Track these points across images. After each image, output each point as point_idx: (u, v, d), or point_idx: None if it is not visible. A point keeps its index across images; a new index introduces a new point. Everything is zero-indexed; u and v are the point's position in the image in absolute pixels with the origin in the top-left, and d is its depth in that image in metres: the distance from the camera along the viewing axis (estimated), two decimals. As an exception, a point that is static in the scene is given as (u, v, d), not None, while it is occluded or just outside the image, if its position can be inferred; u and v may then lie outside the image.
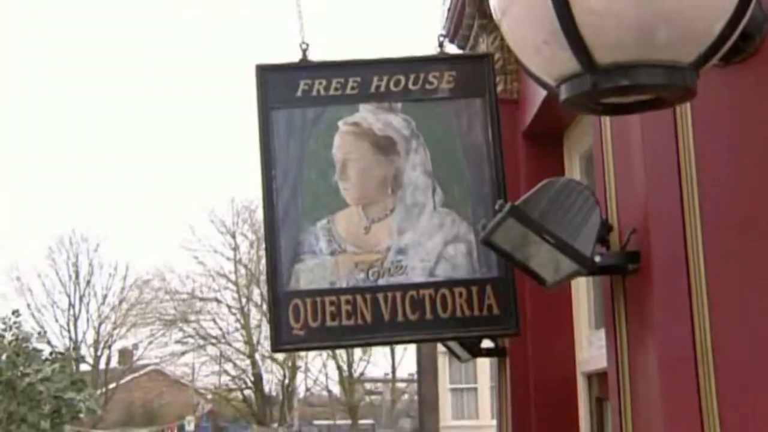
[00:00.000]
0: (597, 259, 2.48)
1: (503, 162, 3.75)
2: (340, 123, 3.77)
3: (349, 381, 34.29)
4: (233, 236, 35.18)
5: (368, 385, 40.11)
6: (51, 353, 10.75)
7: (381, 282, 3.63)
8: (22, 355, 10.32)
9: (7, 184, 52.44)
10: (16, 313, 10.55)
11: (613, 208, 2.74)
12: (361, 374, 37.47)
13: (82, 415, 10.65)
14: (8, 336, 10.42)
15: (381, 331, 3.60)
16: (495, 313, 3.62)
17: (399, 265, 3.65)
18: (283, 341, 3.60)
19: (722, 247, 2.45)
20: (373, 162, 3.75)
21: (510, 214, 2.42)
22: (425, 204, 3.72)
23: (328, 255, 3.66)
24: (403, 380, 38.97)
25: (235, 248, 35.48)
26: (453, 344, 4.45)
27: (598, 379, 3.99)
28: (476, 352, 4.45)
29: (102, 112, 55.54)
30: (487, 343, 4.51)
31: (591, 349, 4.08)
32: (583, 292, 4.14)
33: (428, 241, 3.68)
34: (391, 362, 36.42)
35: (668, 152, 2.56)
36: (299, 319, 3.58)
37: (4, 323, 10.46)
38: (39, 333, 10.93)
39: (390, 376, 38.51)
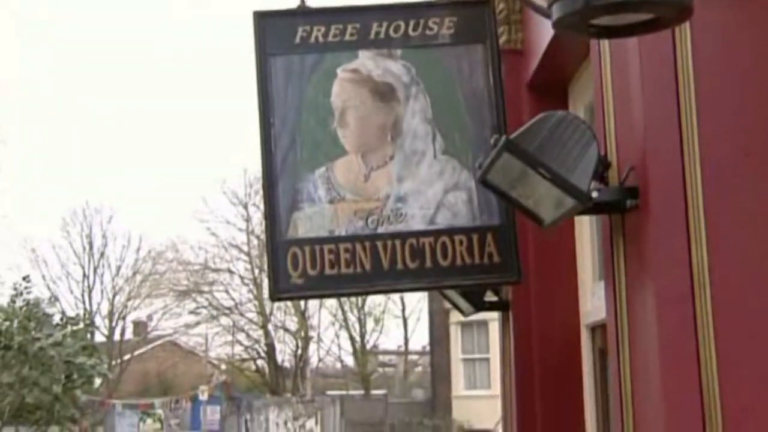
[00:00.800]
0: (594, 194, 2.43)
1: (505, 108, 3.69)
2: (338, 70, 3.72)
3: (362, 352, 34.41)
4: (245, 207, 35.23)
5: (381, 357, 40.30)
6: (62, 319, 10.82)
7: (380, 230, 3.59)
8: (33, 320, 10.38)
9: (21, 157, 52.61)
10: (26, 278, 10.63)
11: (612, 146, 2.69)
12: (374, 346, 37.64)
13: (94, 380, 10.71)
14: (19, 302, 10.47)
15: (380, 279, 3.57)
16: (495, 261, 3.59)
17: (398, 213, 3.61)
18: (281, 289, 3.57)
19: (721, 185, 2.40)
20: (373, 109, 3.70)
21: (505, 148, 2.37)
22: (425, 151, 3.67)
23: (327, 203, 3.62)
24: (415, 352, 39.11)
25: (248, 219, 35.55)
26: (456, 297, 4.42)
27: (602, 330, 3.94)
28: (479, 305, 4.42)
29: (115, 84, 55.54)
30: (490, 297, 4.47)
31: (594, 301, 4.03)
32: (587, 242, 4.09)
33: (428, 189, 3.63)
34: (403, 334, 36.53)
35: (668, 87, 2.51)
36: (298, 268, 3.55)
37: (16, 289, 10.52)
38: (50, 298, 10.97)
39: (403, 348, 38.66)
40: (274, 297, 3.62)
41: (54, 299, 10.46)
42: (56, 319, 10.64)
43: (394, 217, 3.60)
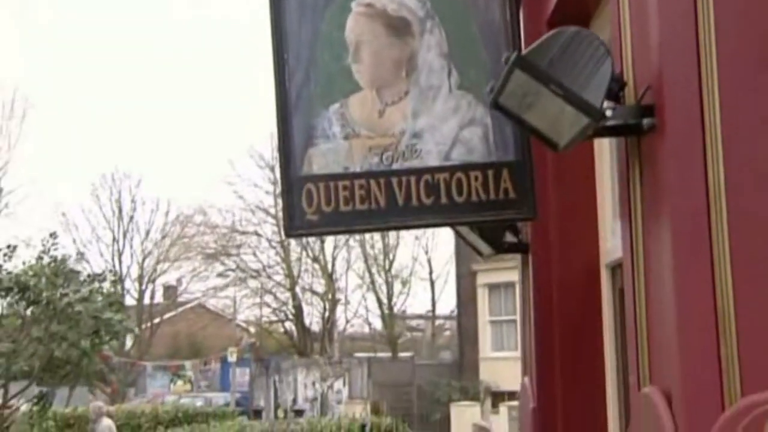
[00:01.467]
0: (608, 113, 2.37)
1: (521, 42, 3.62)
2: (352, 4, 3.65)
3: (389, 315, 34.53)
4: (272, 170, 35.26)
5: (409, 322, 40.43)
6: (88, 275, 10.92)
7: (395, 166, 3.55)
8: (61, 276, 10.48)
9: (51, 122, 52.99)
10: (53, 235, 10.70)
11: (629, 66, 2.62)
12: (402, 311, 37.78)
13: (121, 336, 10.83)
14: (46, 258, 10.58)
15: (395, 215, 3.53)
16: (511, 197, 3.53)
17: (413, 149, 3.56)
18: (296, 226, 3.55)
19: (738, 103, 2.33)
20: (387, 44, 3.64)
21: (516, 64, 2.31)
22: (440, 86, 3.61)
23: (342, 139, 3.58)
24: (443, 317, 39.20)
25: (275, 182, 35.56)
26: (475, 239, 4.38)
27: (622, 270, 3.89)
28: (498, 246, 4.37)
29: (145, 49, 55.63)
30: (509, 238, 4.43)
31: (615, 239, 3.97)
32: (606, 180, 4.02)
33: (443, 125, 3.58)
34: (431, 297, 36.58)
35: (686, 4, 2.43)
36: (312, 204, 3.53)
37: (43, 246, 10.63)
38: (77, 255, 11.07)
39: (430, 313, 38.76)
40: (289, 233, 3.60)
41: (80, 256, 10.57)
42: (83, 275, 10.75)
43: (409, 153, 3.56)
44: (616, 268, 4.02)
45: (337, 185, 3.53)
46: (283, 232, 3.93)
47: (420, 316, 40.90)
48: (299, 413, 19.05)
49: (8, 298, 10.57)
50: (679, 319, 2.33)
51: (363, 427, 13.93)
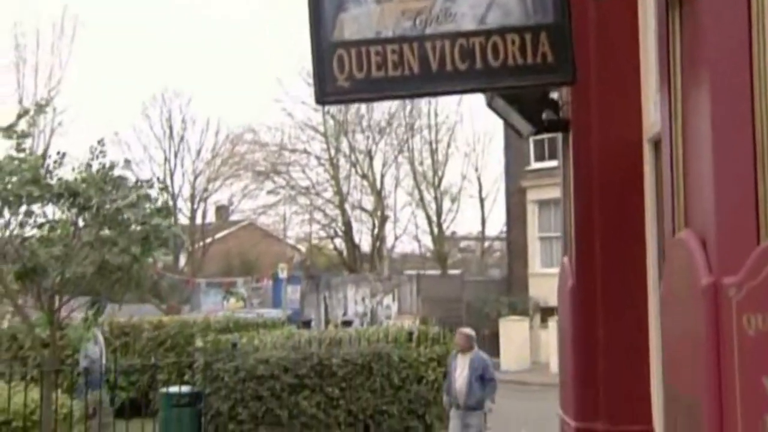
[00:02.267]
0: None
1: None
2: None
3: (438, 231, 34.54)
4: (321, 88, 35.09)
5: (458, 243, 40.47)
6: (136, 182, 11.00)
7: (429, 30, 3.45)
8: (109, 182, 10.58)
9: (101, 42, 53.19)
10: (101, 142, 10.76)
11: None
12: (453, 233, 37.78)
13: (170, 243, 10.96)
14: (95, 164, 10.67)
15: (429, 81, 3.44)
16: (549, 61, 3.42)
17: (448, 12, 3.45)
18: (327, 92, 3.49)
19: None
20: None
21: None
22: (476, -53, 3.47)
23: (374, 3, 3.49)
24: (492, 238, 39.11)
25: (323, 100, 35.44)
26: (514, 117, 4.28)
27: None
28: (538, 124, 4.27)
29: (189, -30, 55.22)
30: (550, 116, 4.32)
31: (658, 114, 3.85)
32: (651, 51, 3.88)
33: (479, -14, 3.46)
34: (480, 214, 36.46)
35: None
36: (344, 70, 3.45)
37: (91, 152, 10.71)
38: (124, 161, 11.15)
39: (480, 234, 38.69)
40: (320, 100, 3.54)
41: (128, 163, 10.64)
42: (131, 182, 10.84)
43: (444, 17, 3.45)
44: (659, 142, 3.90)
45: (369, 51, 3.45)
46: (314, 99, 3.85)
47: (469, 237, 40.89)
48: (348, 324, 19.25)
49: (59, 204, 10.70)
50: (716, 159, 2.25)
51: (410, 334, 14.04)
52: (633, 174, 3.99)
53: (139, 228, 10.72)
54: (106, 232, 10.80)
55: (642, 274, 3.88)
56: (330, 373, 12.35)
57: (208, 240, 39.55)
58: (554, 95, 4.28)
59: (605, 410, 3.84)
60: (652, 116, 3.92)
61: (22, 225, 10.74)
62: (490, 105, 4.30)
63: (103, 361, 13.74)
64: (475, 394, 10.86)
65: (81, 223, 10.88)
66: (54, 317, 10.99)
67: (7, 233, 10.80)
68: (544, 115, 4.25)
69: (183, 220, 37.74)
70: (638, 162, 3.99)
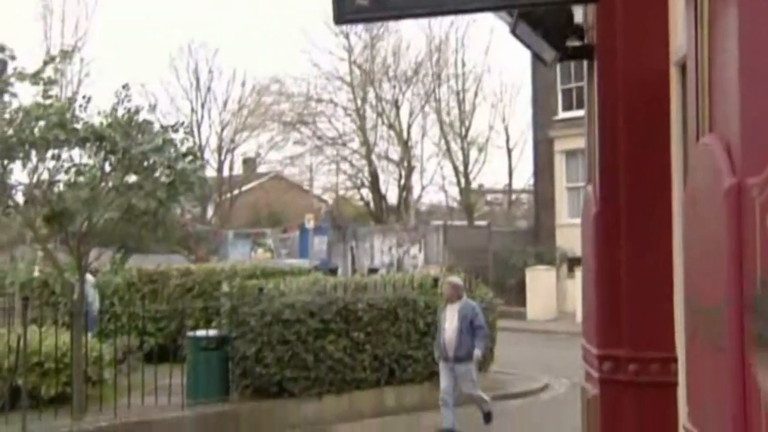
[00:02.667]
0: None
1: None
2: None
3: (465, 181, 34.41)
4: (347, 37, 34.91)
5: (485, 197, 40.35)
6: (161, 126, 11.01)
7: (450, -53, 3.37)
8: (135, 126, 10.60)
9: (127, -4, 53.04)
10: (126, 87, 10.76)
11: None
12: (480, 186, 37.63)
13: (195, 187, 10.99)
14: (120, 109, 10.69)
15: (450, -1, 3.37)
16: (573, -23, 3.34)
17: (469, -72, 3.37)
18: (346, 11, 3.42)
19: None
20: None
21: None
22: None
23: None
24: (519, 191, 38.94)
25: (350, 50, 35.28)
26: (539, 43, 4.20)
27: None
28: (562, 50, 4.19)
29: None
30: (574, 43, 4.23)
31: (685, 37, 3.76)
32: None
33: None
34: (507, 165, 36.27)
35: None
36: (363, -11, 3.39)
37: (116, 97, 10.72)
38: (150, 105, 11.15)
39: (507, 187, 38.53)
40: (339, 20, 3.47)
41: (152, 107, 10.64)
42: (156, 127, 10.84)
43: (465, -67, 3.37)
44: (685, 66, 3.81)
45: (389, -32, 3.38)
46: (333, 19, 3.74)
47: (496, 190, 40.74)
48: (374, 272, 19.30)
49: (86, 149, 10.75)
50: (742, 62, 2.18)
51: (435, 281, 14.05)
52: (659, 99, 3.90)
53: (165, 172, 10.77)
54: (132, 177, 10.87)
55: (667, 202, 3.83)
56: (355, 317, 12.41)
57: (236, 192, 39.71)
58: (579, 20, 4.20)
59: (628, 337, 3.81)
60: (679, 39, 3.83)
61: (49, 170, 10.83)
62: (513, 32, 4.21)
63: (97, 305, 13.89)
64: (464, 344, 10.59)
65: (107, 168, 10.94)
66: (82, 261, 11.12)
67: (35, 178, 10.89)
68: (568, 41, 4.17)
69: (210, 171, 37.86)
70: (664, 87, 3.90)
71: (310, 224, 31.26)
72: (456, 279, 11.68)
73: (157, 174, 10.73)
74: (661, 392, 3.77)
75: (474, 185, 35.94)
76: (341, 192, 37.73)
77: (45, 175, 10.79)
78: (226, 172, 39.85)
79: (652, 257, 3.81)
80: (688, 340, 2.48)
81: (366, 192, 36.66)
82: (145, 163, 10.73)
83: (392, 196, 36.20)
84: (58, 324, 12.47)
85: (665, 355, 3.77)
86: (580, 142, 26.46)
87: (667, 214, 3.78)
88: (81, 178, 10.60)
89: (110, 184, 10.63)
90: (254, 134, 39.04)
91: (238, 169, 41.70)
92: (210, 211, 38.91)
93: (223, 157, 39.23)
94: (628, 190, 3.89)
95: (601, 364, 3.87)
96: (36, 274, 15.31)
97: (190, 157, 11.06)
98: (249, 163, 42.99)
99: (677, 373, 3.78)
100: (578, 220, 4.49)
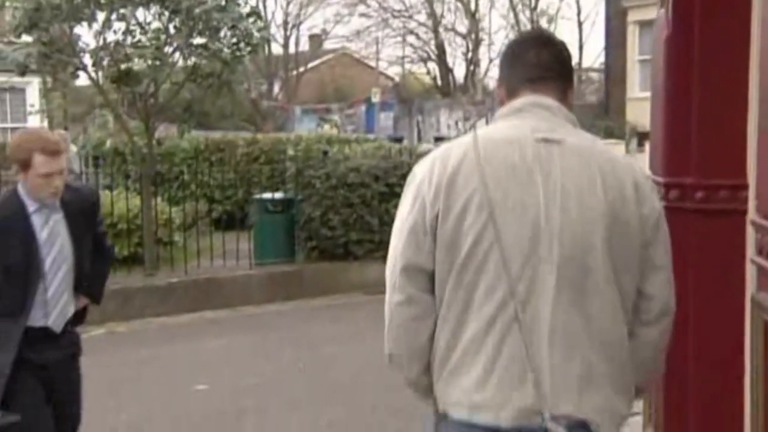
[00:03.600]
0: None
1: None
2: None
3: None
4: None
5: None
6: (224, -15, 10.89)
7: None
8: (198, -16, 10.50)
9: None
10: (188, -52, 10.64)
11: None
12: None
13: (260, 49, 10.92)
14: (183, -32, 10.58)
15: None
16: None
17: None
18: None
19: None
20: None
21: None
22: None
23: None
24: (588, 69, 37.95)
25: None
26: None
27: None
28: None
29: None
30: None
31: None
32: None
33: None
34: (578, 38, 35.31)
35: None
36: None
37: (176, -44, 10.60)
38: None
39: (577, 65, 37.54)
40: None
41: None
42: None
43: None
44: None
45: None
46: None
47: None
48: (441, 140, 19.17)
49: (150, 10, 10.72)
50: None
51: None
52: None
53: (228, 33, 10.72)
54: (197, 40, 10.84)
55: (745, 24, 3.63)
56: (420, 182, 12.39)
57: (302, 69, 39.57)
58: None
59: (697, 164, 3.69)
60: None
61: (115, 32, 10.85)
62: None
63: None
64: None
65: (172, 30, 10.92)
66: (149, 123, 11.25)
67: (102, 41, 10.94)
68: None
69: (276, 48, 37.70)
70: None
71: (376, 98, 31.10)
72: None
73: (221, 35, 10.68)
74: (730, 221, 3.66)
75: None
76: (407, 66, 37.27)
77: (111, 37, 10.83)
78: (292, 49, 39.62)
79: (726, 80, 3.64)
80: (761, 132, 2.37)
81: (433, 66, 36.15)
82: (210, 24, 10.67)
83: (459, 72, 35.67)
84: (128, 189, 12.76)
85: (735, 182, 3.65)
86: (654, 12, 25.65)
87: (745, 36, 3.59)
88: (145, 38, 10.61)
89: (175, 44, 10.62)
90: (321, 6, 38.52)
91: (303, 45, 41.43)
92: (276, 88, 38.94)
93: (288, 33, 38.95)
94: (702, 13, 3.69)
95: (668, 193, 3.76)
96: (108, 144, 15.61)
97: (253, 18, 10.95)
98: (315, 39, 42.66)
99: (747, 201, 3.67)
100: (649, 94, 4.31)
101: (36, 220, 3.90)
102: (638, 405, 5.31)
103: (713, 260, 3.71)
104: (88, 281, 4.16)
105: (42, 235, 3.90)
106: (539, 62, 2.44)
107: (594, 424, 2.24)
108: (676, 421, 3.59)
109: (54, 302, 3.94)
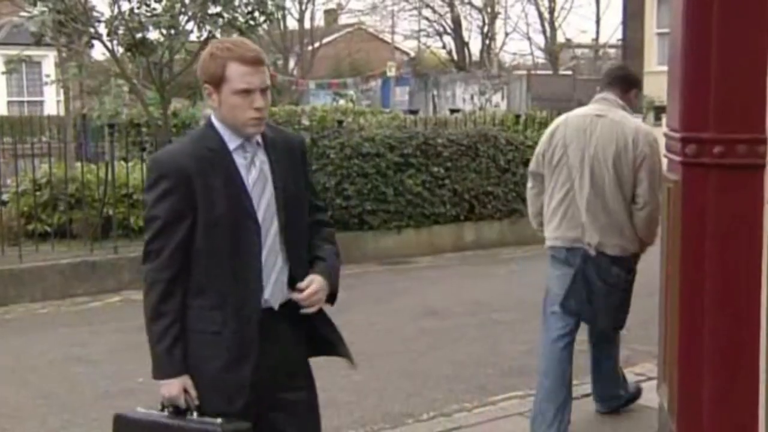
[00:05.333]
0: None
1: None
2: None
3: (551, 29, 33.39)
4: None
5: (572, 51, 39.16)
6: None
7: None
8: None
9: None
10: None
11: None
12: (568, 40, 36.49)
13: (274, 17, 10.88)
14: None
15: None
16: None
17: None
18: None
19: None
20: None
21: None
22: None
23: None
24: (605, 45, 37.63)
25: None
26: None
27: None
28: None
29: None
30: None
31: None
32: None
33: None
34: (595, 11, 34.98)
35: None
36: None
37: (192, -76, 10.55)
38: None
39: (594, 41, 37.24)
40: None
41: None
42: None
43: None
44: None
45: None
46: None
47: (583, 45, 39.48)
48: (456, 111, 19.15)
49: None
50: None
51: (517, 117, 13.85)
52: None
53: (243, 1, 10.68)
54: (211, 9, 10.81)
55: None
56: (435, 152, 12.37)
57: (317, 44, 39.47)
58: None
59: (714, 118, 3.64)
60: None
61: (129, 0, 10.82)
62: None
63: None
64: None
65: (187, -1, 10.89)
66: (164, 94, 11.25)
67: (116, 9, 10.92)
68: None
69: (292, 22, 37.59)
70: None
71: (391, 72, 31.00)
72: None
73: (236, 3, 10.64)
74: (748, 175, 3.62)
75: (559, 35, 34.89)
76: (423, 40, 37.10)
77: (126, 6, 10.81)
78: (307, 24, 39.48)
79: (746, 31, 3.59)
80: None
81: (448, 40, 35.97)
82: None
83: (475, 46, 35.48)
84: (143, 160, 12.76)
85: (754, 136, 3.60)
86: None
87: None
88: (160, 7, 10.58)
89: (190, 13, 10.59)
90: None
91: (319, 20, 41.30)
92: (291, 63, 38.86)
93: (304, 7, 38.80)
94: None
95: (684, 147, 3.72)
96: (124, 116, 15.60)
97: (269, -16, 10.90)
98: (330, 13, 42.54)
99: (765, 155, 3.63)
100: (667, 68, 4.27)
101: (238, 160, 2.92)
102: (652, 369, 5.32)
103: (731, 214, 3.67)
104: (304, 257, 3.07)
105: (249, 179, 2.92)
106: (606, 75, 5.33)
107: (608, 248, 4.86)
108: (691, 367, 3.57)
109: (267, 270, 2.94)
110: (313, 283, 2.96)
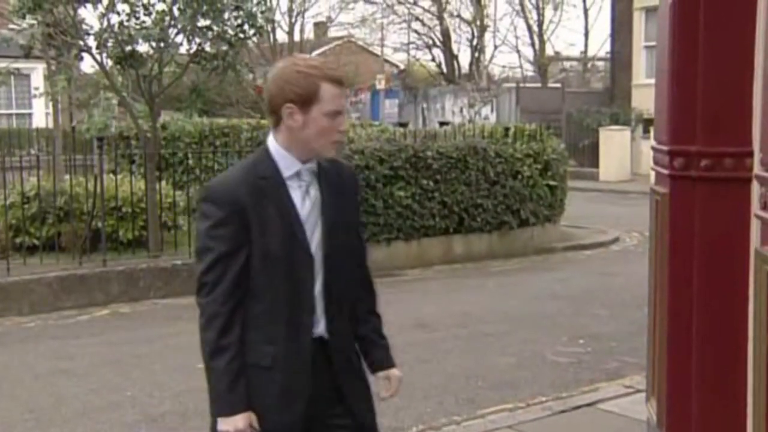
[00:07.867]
0: None
1: None
2: None
3: (540, 42, 33.55)
4: None
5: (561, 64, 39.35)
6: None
7: None
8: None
9: None
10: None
11: None
12: (557, 53, 36.65)
13: (264, 30, 10.89)
14: (187, -51, 10.55)
15: None
16: None
17: None
18: None
19: None
20: None
21: None
22: None
23: None
24: (594, 58, 37.84)
25: None
26: None
27: None
28: None
29: None
30: None
31: None
32: None
33: None
34: (584, 24, 35.18)
35: None
36: None
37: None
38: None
39: (582, 55, 37.46)
40: None
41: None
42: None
43: None
44: None
45: None
46: None
47: (572, 58, 39.71)
48: (445, 124, 19.19)
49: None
50: None
51: (506, 130, 13.90)
52: None
53: (233, 14, 10.69)
54: (201, 22, 10.81)
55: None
56: (425, 165, 12.39)
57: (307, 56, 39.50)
58: None
59: (702, 131, 3.66)
60: None
61: (119, 13, 10.81)
62: None
63: None
64: None
65: (176, 12, 10.88)
66: (153, 105, 11.24)
67: (106, 22, 10.90)
68: None
69: (282, 35, 37.60)
70: None
71: (381, 85, 31.06)
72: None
73: (225, 16, 10.65)
74: (735, 188, 3.64)
75: (548, 48, 35.05)
76: (412, 53, 37.21)
77: (115, 19, 10.79)
78: (297, 37, 39.51)
79: (732, 47, 3.61)
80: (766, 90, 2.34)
81: (437, 53, 36.08)
82: (214, 6, 10.63)
83: (464, 59, 35.59)
84: (133, 173, 12.74)
85: (741, 149, 3.62)
86: (660, -2, 25.54)
87: (751, 1, 3.56)
88: (149, 20, 10.57)
89: (179, 26, 10.59)
90: (324, -4, 38.44)
91: (308, 33, 41.34)
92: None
93: (293, 20, 38.83)
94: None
95: (672, 161, 3.74)
96: (113, 129, 15.58)
97: (257, -1, 10.91)
98: (320, 26, 42.60)
99: (752, 168, 3.65)
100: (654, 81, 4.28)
101: (293, 189, 2.77)
102: (641, 381, 5.32)
103: (718, 227, 3.68)
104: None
105: (303, 209, 2.78)
106: None
107: None
108: (679, 380, 3.57)
109: (319, 303, 2.84)
110: (393, 384, 3.18)
